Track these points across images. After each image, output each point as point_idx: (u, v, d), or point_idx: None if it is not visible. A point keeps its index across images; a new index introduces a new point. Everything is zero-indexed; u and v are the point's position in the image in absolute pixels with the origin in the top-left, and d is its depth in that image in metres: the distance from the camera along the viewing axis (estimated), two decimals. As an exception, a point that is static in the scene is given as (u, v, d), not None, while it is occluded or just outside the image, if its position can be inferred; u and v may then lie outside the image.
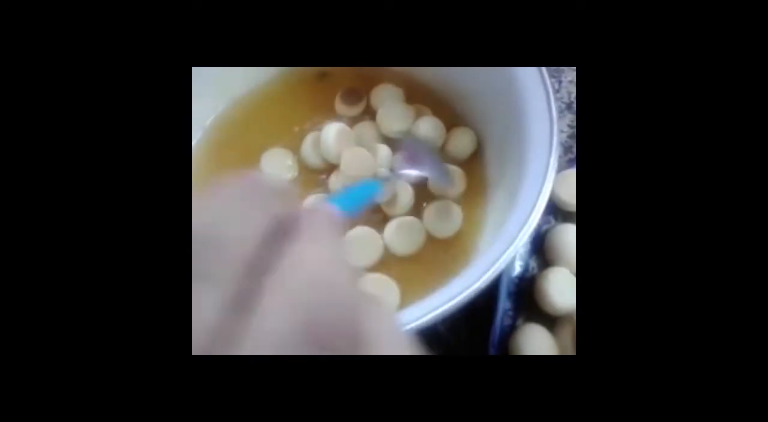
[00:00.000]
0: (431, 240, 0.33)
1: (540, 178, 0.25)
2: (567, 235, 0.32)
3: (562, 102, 0.42)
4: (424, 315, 0.22)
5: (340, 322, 0.14)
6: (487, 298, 0.31)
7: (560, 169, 0.35)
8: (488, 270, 0.23)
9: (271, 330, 0.13)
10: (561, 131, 0.41)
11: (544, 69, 0.28)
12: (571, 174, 0.33)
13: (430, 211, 0.33)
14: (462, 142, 0.35)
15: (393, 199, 0.33)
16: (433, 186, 0.34)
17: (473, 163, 0.35)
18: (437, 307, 0.22)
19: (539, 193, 0.25)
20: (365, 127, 0.36)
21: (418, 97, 0.37)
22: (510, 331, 0.31)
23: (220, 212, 0.15)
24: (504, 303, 0.31)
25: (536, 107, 0.28)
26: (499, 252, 0.23)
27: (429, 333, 0.34)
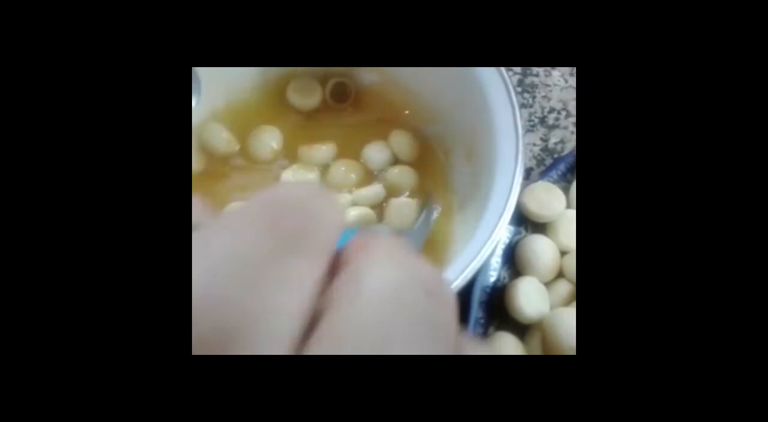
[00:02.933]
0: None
1: (506, 192, 0.26)
2: (536, 245, 0.33)
3: (535, 116, 0.44)
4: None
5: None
6: (460, 307, 0.32)
7: (532, 181, 0.36)
8: (455, 281, 0.24)
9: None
10: (534, 144, 0.43)
11: (511, 86, 0.29)
12: (541, 185, 0.35)
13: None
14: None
15: None
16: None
17: (442, 179, 0.36)
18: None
19: (505, 206, 0.26)
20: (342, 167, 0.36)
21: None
22: (483, 339, 0.32)
23: (310, 196, 0.12)
24: (476, 312, 0.32)
25: (503, 123, 0.29)
26: (464, 263, 0.24)
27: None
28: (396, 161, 0.36)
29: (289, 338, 0.11)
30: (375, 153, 0.36)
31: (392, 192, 0.35)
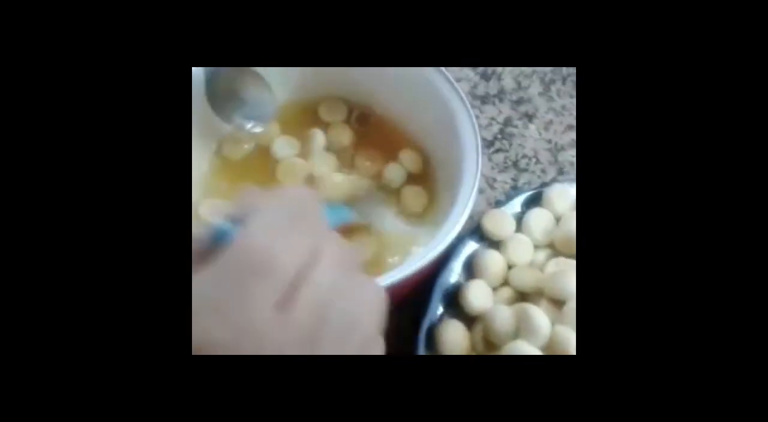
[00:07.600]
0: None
1: (460, 214, 0.37)
2: (488, 257, 0.44)
3: (510, 160, 0.54)
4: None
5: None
6: (423, 299, 0.42)
7: (494, 206, 0.47)
8: (409, 269, 0.35)
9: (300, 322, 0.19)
10: (506, 182, 0.53)
11: (479, 141, 0.40)
12: (497, 212, 0.45)
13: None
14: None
15: None
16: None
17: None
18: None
19: (456, 225, 0.37)
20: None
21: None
22: (438, 324, 0.42)
23: (274, 237, 0.18)
24: (436, 304, 0.43)
25: (470, 167, 0.40)
26: (421, 258, 0.35)
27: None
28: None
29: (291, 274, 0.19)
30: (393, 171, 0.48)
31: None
